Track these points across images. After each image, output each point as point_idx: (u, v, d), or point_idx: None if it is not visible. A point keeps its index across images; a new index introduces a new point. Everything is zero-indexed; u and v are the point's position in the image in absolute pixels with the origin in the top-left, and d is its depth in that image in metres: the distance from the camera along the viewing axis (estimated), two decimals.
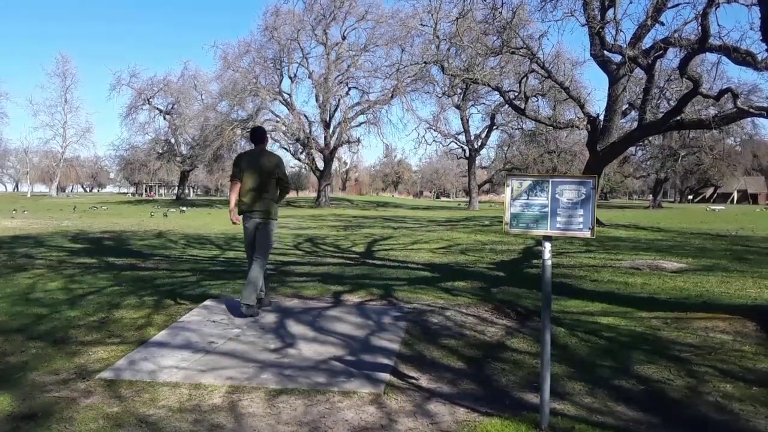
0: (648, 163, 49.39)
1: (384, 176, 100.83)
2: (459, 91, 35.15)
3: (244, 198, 5.57)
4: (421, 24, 25.59)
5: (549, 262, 3.21)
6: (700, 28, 13.17)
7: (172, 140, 50.44)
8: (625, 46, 15.76)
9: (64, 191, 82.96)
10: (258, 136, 5.89)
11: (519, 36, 18.91)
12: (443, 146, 45.23)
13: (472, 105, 42.02)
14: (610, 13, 16.30)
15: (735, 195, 70.43)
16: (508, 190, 3.27)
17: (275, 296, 6.37)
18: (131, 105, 47.18)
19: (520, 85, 20.85)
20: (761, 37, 6.56)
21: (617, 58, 17.03)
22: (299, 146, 40.87)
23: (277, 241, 13.64)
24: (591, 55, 17.72)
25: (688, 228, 18.89)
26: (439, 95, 35.35)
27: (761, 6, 6.18)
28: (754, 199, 67.85)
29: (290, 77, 40.58)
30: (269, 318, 5.40)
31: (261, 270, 5.54)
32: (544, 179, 3.21)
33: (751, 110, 15.00)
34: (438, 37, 23.20)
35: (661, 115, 17.31)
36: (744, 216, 29.36)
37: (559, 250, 10.90)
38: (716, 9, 12.85)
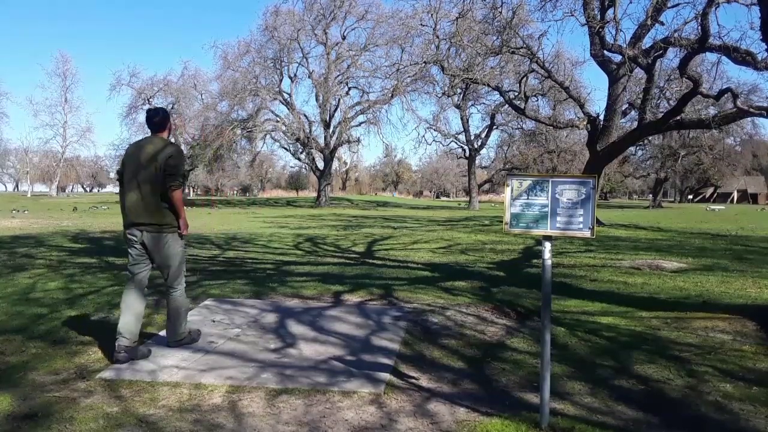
0: (648, 162, 49.45)
1: (384, 176, 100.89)
2: (459, 91, 35.14)
3: (127, 204, 4.18)
4: (421, 24, 25.58)
5: (549, 262, 3.21)
6: (700, 27, 13.18)
7: (172, 140, 50.35)
8: (625, 45, 15.76)
9: (64, 191, 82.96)
10: (153, 121, 4.31)
11: (519, 36, 18.92)
12: (443, 146, 45.27)
13: (472, 105, 42.07)
14: (609, 12, 16.31)
15: (735, 195, 70.46)
16: (508, 190, 3.27)
17: (275, 296, 6.37)
18: (131, 105, 47.13)
19: (520, 85, 20.86)
20: (761, 37, 6.57)
21: (617, 57, 17.04)
22: (299, 146, 40.92)
23: (277, 240, 13.68)
24: (591, 55, 17.74)
25: (688, 228, 18.90)
26: (439, 95, 35.39)
27: (761, 6, 6.19)
28: (754, 198, 67.88)
29: (290, 77, 40.66)
30: (269, 318, 5.40)
31: (182, 299, 4.39)
32: (544, 179, 3.21)
33: (751, 110, 15.01)
34: (438, 37, 23.22)
35: (661, 115, 17.32)
36: (744, 216, 29.37)
37: (559, 250, 10.90)
38: (716, 9, 12.87)
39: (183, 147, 49.46)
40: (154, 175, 4.09)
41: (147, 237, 4.16)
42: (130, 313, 4.16)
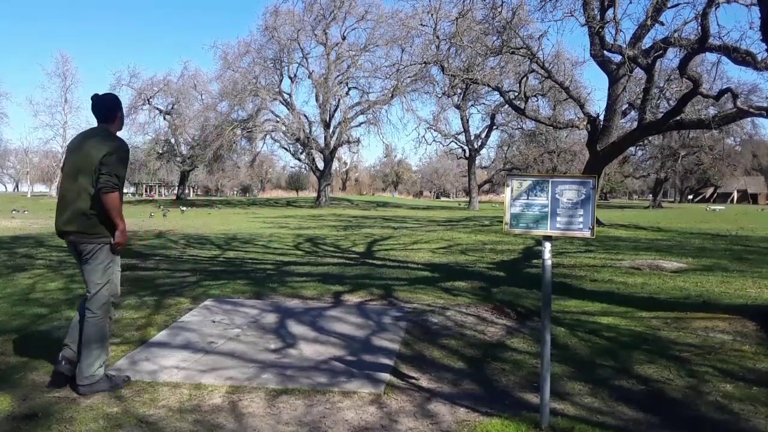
0: (648, 163, 49.44)
1: (384, 176, 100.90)
2: (459, 91, 35.11)
3: (57, 207, 3.66)
4: (421, 24, 25.60)
5: (549, 262, 3.21)
6: (699, 28, 13.18)
7: (172, 140, 50.44)
8: (624, 46, 15.76)
9: None
10: (99, 108, 3.69)
11: (519, 36, 18.91)
12: (443, 146, 45.29)
13: (472, 105, 42.07)
14: (609, 13, 16.30)
15: (735, 195, 70.48)
16: (508, 190, 3.27)
17: (275, 296, 6.37)
18: (131, 105, 47.09)
19: (520, 85, 20.85)
20: (761, 37, 6.57)
21: (617, 58, 17.03)
22: (299, 146, 40.93)
23: (277, 240, 13.67)
24: (591, 55, 17.73)
25: (688, 228, 18.89)
26: (439, 95, 35.35)
27: (761, 6, 6.19)
28: (754, 199, 67.89)
29: (290, 77, 40.67)
30: (269, 318, 5.40)
31: (98, 329, 3.59)
32: (544, 179, 3.21)
33: (751, 110, 15.01)
34: (438, 37, 23.22)
35: (661, 115, 17.32)
36: (744, 216, 29.37)
37: (559, 250, 10.90)
38: (716, 9, 12.86)
39: (183, 147, 49.63)
40: (88, 173, 3.49)
41: (74, 248, 3.60)
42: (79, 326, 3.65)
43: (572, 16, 16.63)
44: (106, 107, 3.70)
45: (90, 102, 3.71)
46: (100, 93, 3.78)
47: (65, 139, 59.47)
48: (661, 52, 15.06)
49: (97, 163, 3.46)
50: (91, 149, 3.52)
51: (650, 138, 34.90)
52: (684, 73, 14.50)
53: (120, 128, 3.80)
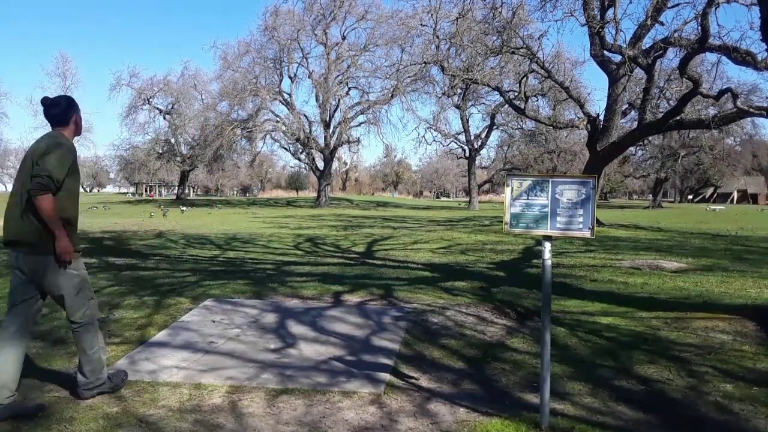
0: (648, 162, 49.41)
1: (384, 176, 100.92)
2: (459, 91, 35.11)
3: (4, 217, 3.34)
4: (421, 24, 25.60)
5: (549, 262, 3.21)
6: (699, 28, 13.17)
7: (172, 140, 50.37)
8: (624, 46, 15.75)
9: None
10: (50, 112, 3.37)
11: (519, 36, 18.91)
12: (443, 146, 45.27)
13: (472, 105, 42.02)
14: (609, 13, 16.29)
15: (735, 195, 70.47)
16: (508, 190, 3.27)
17: (275, 296, 6.37)
18: (131, 105, 47.08)
19: (520, 85, 20.85)
20: (761, 37, 6.57)
21: (617, 58, 17.03)
22: (299, 146, 40.89)
23: (277, 240, 13.67)
24: (591, 55, 17.73)
25: (688, 228, 18.89)
26: (439, 95, 35.33)
27: (761, 6, 6.19)
28: (754, 199, 67.89)
29: (290, 77, 40.63)
30: (269, 318, 5.40)
31: (90, 336, 3.45)
32: (544, 179, 3.21)
33: (751, 110, 15.00)
34: (438, 37, 23.23)
35: (661, 115, 17.31)
36: (744, 216, 29.36)
37: (559, 250, 10.90)
38: (716, 9, 12.85)
39: (183, 147, 49.59)
40: (28, 179, 3.19)
41: (23, 261, 3.27)
42: (2, 358, 3.23)
43: (572, 16, 16.63)
44: (61, 110, 3.36)
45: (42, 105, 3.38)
46: (53, 96, 3.48)
47: None
48: (661, 52, 15.05)
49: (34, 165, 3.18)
50: (31, 153, 3.25)
51: (650, 138, 34.88)
52: (684, 73, 14.49)
53: (78, 133, 3.51)
